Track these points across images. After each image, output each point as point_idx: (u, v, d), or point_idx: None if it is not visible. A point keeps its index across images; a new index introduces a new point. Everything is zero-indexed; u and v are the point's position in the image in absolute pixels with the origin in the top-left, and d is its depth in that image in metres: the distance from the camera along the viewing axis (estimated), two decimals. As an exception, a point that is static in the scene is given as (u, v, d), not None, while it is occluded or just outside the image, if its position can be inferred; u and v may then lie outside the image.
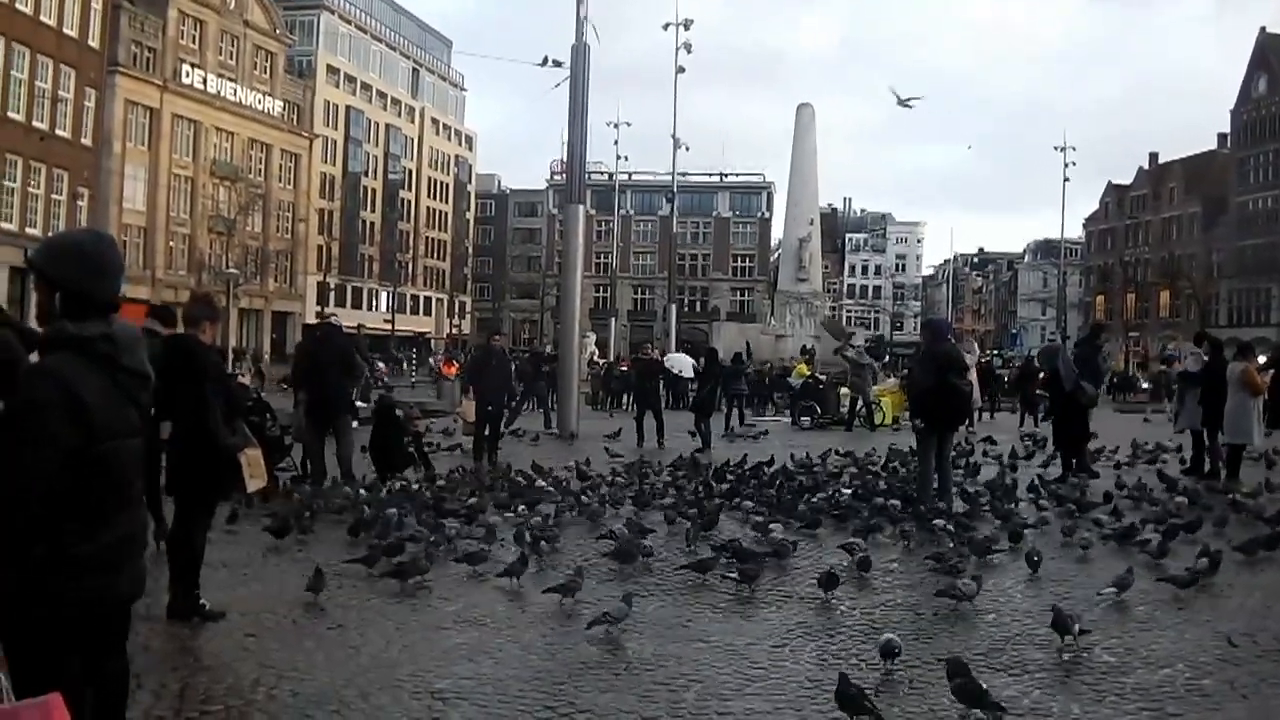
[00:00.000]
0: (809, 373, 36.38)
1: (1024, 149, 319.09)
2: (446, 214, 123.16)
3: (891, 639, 7.43)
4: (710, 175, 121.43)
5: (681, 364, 34.08)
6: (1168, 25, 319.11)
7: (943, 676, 7.10)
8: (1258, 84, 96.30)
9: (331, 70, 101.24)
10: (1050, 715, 6.54)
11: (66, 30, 52.68)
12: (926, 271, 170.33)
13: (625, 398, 46.06)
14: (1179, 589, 9.64)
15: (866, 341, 48.92)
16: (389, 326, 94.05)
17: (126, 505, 4.00)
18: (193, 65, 77.89)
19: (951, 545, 11.67)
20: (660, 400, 26.21)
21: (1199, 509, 13.88)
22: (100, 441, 3.82)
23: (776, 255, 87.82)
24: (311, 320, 51.15)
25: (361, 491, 14.33)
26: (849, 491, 15.43)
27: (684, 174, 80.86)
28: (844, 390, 33.75)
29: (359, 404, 20.17)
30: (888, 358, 68.77)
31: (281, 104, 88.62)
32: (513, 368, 26.13)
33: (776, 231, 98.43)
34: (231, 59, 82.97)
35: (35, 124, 50.65)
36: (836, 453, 21.02)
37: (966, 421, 21.75)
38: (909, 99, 33.68)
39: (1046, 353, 25.38)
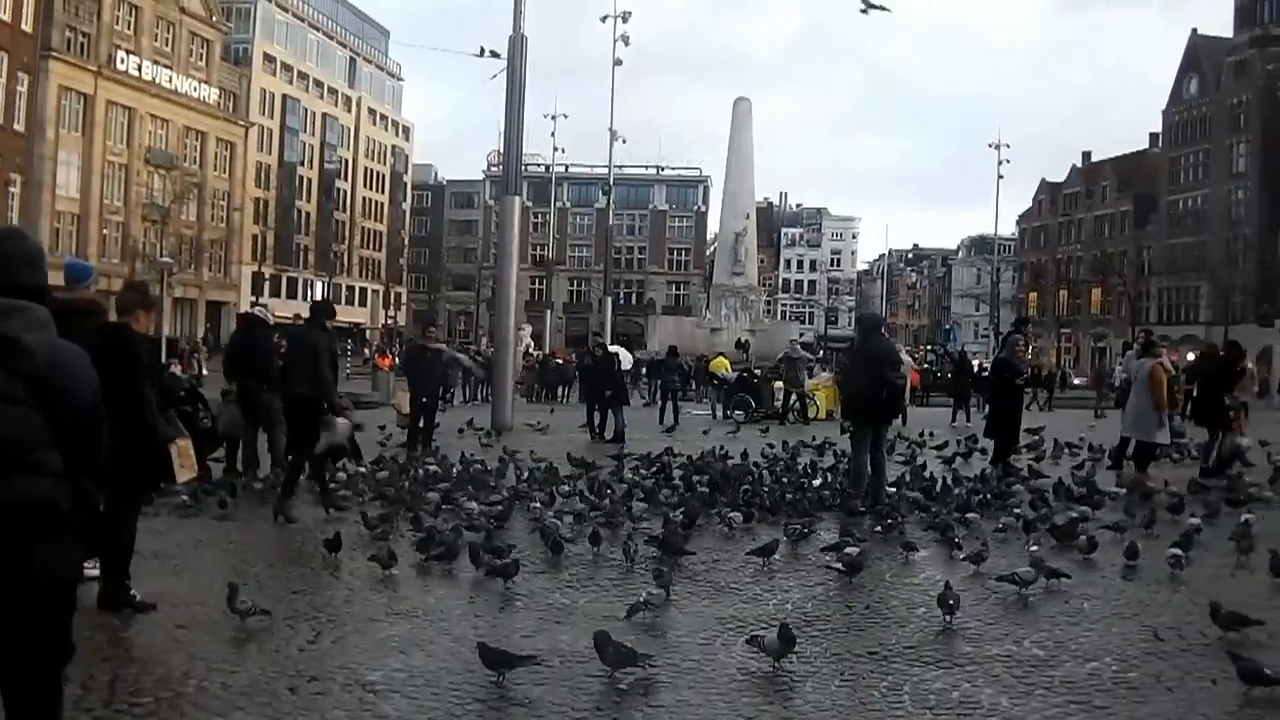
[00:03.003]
0: (727, 366, 36.43)
1: (962, 146, 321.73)
2: (383, 204, 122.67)
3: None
4: (647, 168, 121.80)
5: (624, 357, 34.56)
6: (1114, 28, 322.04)
7: (872, 669, 7.19)
8: (1189, 85, 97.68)
9: (268, 59, 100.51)
10: (979, 708, 6.59)
11: (-1, 14, 52.11)
12: (861, 266, 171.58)
13: (560, 390, 46.13)
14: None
15: (801, 335, 49.18)
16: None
17: (17, 473, 3.91)
18: (128, 51, 77.20)
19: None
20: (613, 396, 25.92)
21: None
22: None
23: (712, 249, 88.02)
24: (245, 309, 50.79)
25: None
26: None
27: (621, 167, 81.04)
28: (778, 385, 33.90)
29: None
30: (822, 353, 69.07)
31: (217, 92, 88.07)
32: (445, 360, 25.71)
33: (713, 225, 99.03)
34: (167, 45, 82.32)
35: (-34, 109, 50.13)
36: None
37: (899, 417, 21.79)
38: (876, 3, 32.90)
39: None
